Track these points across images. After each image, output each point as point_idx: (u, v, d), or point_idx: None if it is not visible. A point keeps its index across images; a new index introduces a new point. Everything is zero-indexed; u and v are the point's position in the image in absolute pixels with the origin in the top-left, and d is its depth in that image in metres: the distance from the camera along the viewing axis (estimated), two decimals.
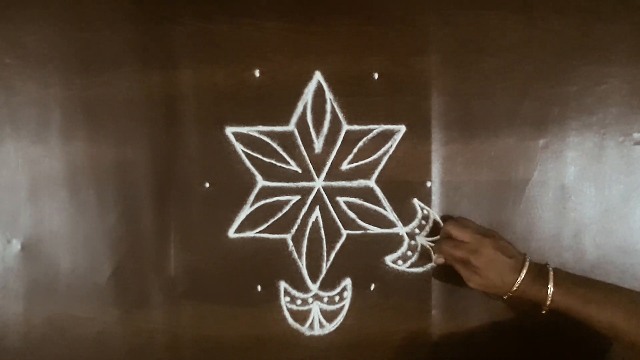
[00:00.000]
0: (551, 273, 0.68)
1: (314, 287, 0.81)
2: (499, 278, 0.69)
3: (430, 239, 0.80)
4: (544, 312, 0.69)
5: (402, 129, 0.79)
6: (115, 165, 0.79)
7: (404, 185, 0.80)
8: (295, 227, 0.80)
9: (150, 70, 0.78)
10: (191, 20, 0.78)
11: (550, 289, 0.67)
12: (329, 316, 0.81)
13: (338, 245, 0.80)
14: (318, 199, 0.80)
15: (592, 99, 0.79)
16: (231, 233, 0.80)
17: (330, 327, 0.81)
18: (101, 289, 0.80)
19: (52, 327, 0.80)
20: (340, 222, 0.80)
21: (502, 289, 0.70)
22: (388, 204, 0.80)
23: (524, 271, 0.69)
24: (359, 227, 0.80)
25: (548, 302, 0.67)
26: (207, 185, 0.80)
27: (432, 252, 0.76)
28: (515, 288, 0.69)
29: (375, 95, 0.79)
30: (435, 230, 0.80)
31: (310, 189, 0.80)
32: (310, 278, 0.80)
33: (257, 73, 0.79)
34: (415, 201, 0.80)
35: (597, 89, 0.79)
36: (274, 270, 0.80)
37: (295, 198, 0.80)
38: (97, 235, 0.80)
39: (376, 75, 0.79)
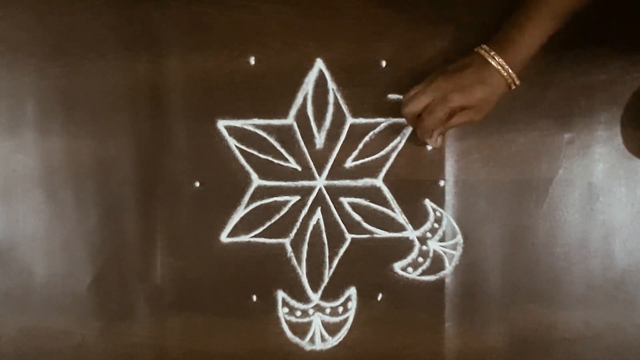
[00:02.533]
0: (482, 51, 0.68)
1: (315, 297, 0.79)
2: (487, 88, 0.68)
3: (444, 244, 0.79)
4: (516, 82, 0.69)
5: None
6: (96, 162, 0.78)
7: (414, 185, 0.79)
8: (295, 230, 0.79)
9: (135, 57, 0.77)
10: (180, 2, 0.77)
11: (499, 60, 0.67)
12: (332, 329, 0.80)
13: (341, 251, 0.79)
14: (319, 200, 0.79)
15: (622, 89, 0.77)
16: (224, 237, 0.79)
17: (333, 342, 0.80)
18: (80, 299, 0.79)
19: (25, 341, 0.80)
20: (344, 225, 0.79)
21: (501, 89, 0.69)
22: (397, 205, 0.79)
23: (495, 59, 0.67)
24: (365, 231, 0.79)
25: (509, 70, 0.68)
26: (197, 184, 0.79)
27: (426, 138, 0.73)
28: (507, 74, 0.68)
29: (383, 85, 0.77)
30: (449, 234, 0.79)
31: (311, 189, 0.79)
32: (310, 287, 0.79)
33: (252, 61, 0.77)
34: (427, 202, 0.79)
35: (627, 77, 0.77)
36: (271, 279, 0.79)
37: (295, 199, 0.79)
38: (76, 239, 0.79)
39: (384, 63, 0.77)
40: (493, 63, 0.67)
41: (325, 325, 0.79)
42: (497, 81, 0.68)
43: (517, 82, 0.68)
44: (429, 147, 0.77)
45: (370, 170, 0.78)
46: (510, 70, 0.67)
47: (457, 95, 0.67)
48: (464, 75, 0.68)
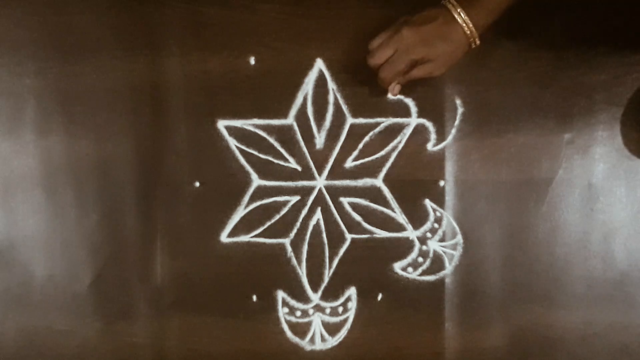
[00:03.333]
0: (450, 5, 0.67)
1: (315, 297, 0.79)
2: (449, 44, 0.67)
3: (444, 244, 0.78)
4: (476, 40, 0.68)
5: (413, 122, 0.78)
6: (96, 162, 0.78)
7: (414, 185, 0.78)
8: (295, 230, 0.79)
9: (135, 57, 0.77)
10: (179, 1, 0.77)
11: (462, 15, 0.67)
12: (332, 329, 0.79)
13: (342, 251, 0.79)
14: (319, 200, 0.78)
15: (622, 89, 0.77)
16: (224, 237, 0.79)
17: (333, 342, 0.80)
18: (80, 299, 0.79)
19: (26, 341, 0.79)
20: (344, 225, 0.79)
21: (462, 46, 0.68)
22: (397, 205, 0.78)
23: (461, 15, 0.67)
24: (365, 231, 0.79)
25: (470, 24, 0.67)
26: (197, 184, 0.78)
27: (385, 87, 0.72)
28: (470, 32, 0.67)
29: None
30: (449, 234, 0.78)
31: (311, 189, 0.78)
32: (311, 287, 0.79)
33: (252, 61, 0.77)
34: (427, 202, 0.78)
35: (628, 78, 0.77)
36: (271, 279, 0.79)
37: (295, 199, 0.78)
38: (76, 239, 0.79)
39: None
40: (458, 19, 0.67)
41: (325, 325, 0.79)
42: (459, 38, 0.67)
43: (477, 42, 0.68)
44: (389, 95, 0.76)
45: (370, 170, 0.78)
46: (473, 29, 0.67)
47: (419, 48, 0.67)
48: (428, 29, 0.67)
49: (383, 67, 0.70)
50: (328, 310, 0.79)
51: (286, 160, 0.78)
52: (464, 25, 0.67)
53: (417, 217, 0.78)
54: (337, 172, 0.78)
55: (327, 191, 0.78)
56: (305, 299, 0.79)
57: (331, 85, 0.77)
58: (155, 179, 0.78)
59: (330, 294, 0.79)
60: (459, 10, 0.67)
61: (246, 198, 0.78)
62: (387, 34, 0.70)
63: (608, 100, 0.77)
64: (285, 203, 0.78)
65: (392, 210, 0.78)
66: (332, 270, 0.79)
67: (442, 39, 0.67)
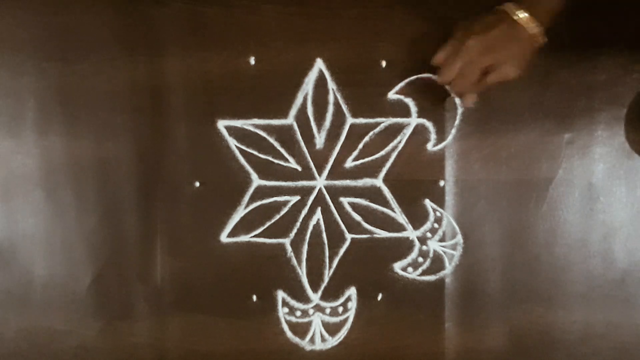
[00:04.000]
0: (507, 8, 0.67)
1: (315, 297, 0.79)
2: (515, 44, 0.66)
3: (444, 244, 0.78)
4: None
5: (413, 122, 0.78)
6: (96, 162, 0.78)
7: (414, 185, 0.78)
8: (295, 230, 0.78)
9: (135, 57, 0.77)
10: (179, 2, 0.76)
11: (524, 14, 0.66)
12: (332, 329, 0.79)
13: (342, 251, 0.79)
14: (319, 200, 0.78)
15: (622, 89, 0.77)
16: (224, 237, 0.78)
17: (333, 341, 0.79)
18: (80, 299, 0.79)
19: (26, 341, 0.79)
20: (344, 225, 0.79)
21: (530, 45, 0.66)
22: (397, 205, 0.78)
23: (519, 15, 0.66)
24: (365, 231, 0.78)
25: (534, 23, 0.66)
26: (197, 184, 0.78)
27: (460, 98, 0.73)
28: (536, 31, 0.66)
29: (383, 85, 0.77)
30: (449, 234, 0.78)
31: (311, 189, 0.78)
32: (311, 287, 0.79)
33: (252, 61, 0.77)
34: (427, 202, 0.78)
35: (628, 78, 0.77)
36: (271, 279, 0.79)
37: (295, 199, 0.78)
38: (76, 239, 0.78)
39: (384, 63, 0.77)
40: (520, 21, 0.65)
41: (325, 325, 0.79)
42: (525, 37, 0.66)
43: (545, 39, 0.66)
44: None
45: (370, 170, 0.78)
46: (536, 28, 0.65)
47: (486, 57, 0.66)
48: (492, 35, 0.66)
49: (455, 83, 0.69)
50: (328, 310, 0.79)
51: (286, 160, 0.78)
52: (527, 26, 0.65)
53: (417, 217, 0.78)
54: (337, 172, 0.78)
55: (327, 191, 0.78)
56: (305, 299, 0.79)
57: (331, 85, 0.77)
58: (155, 179, 0.78)
59: (330, 294, 0.79)
60: (517, 12, 0.66)
61: (246, 198, 0.78)
62: (451, 47, 0.69)
63: (608, 100, 0.77)
64: (285, 203, 0.78)
65: (392, 210, 0.78)
66: (332, 270, 0.78)
67: (507, 42, 0.66)
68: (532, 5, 0.66)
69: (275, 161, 0.78)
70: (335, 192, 0.78)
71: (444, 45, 0.69)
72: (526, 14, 0.65)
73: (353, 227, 0.78)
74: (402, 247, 0.78)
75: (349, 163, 0.78)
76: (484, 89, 0.70)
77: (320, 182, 0.78)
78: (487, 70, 0.67)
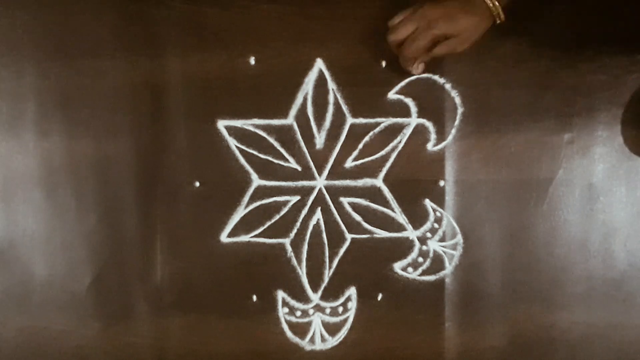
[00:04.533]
0: None
1: (315, 297, 0.79)
2: (472, 18, 0.66)
3: (444, 244, 0.79)
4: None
5: (413, 122, 0.78)
6: (96, 162, 0.78)
7: (414, 185, 0.78)
8: (295, 230, 0.78)
9: (135, 58, 0.77)
10: (179, 2, 0.76)
11: None
12: (332, 329, 0.79)
13: (342, 251, 0.79)
14: (319, 200, 0.78)
15: (622, 89, 0.77)
16: (224, 237, 0.78)
17: (333, 341, 0.79)
18: (80, 299, 0.79)
19: (25, 341, 0.79)
20: (344, 225, 0.78)
21: (485, 21, 0.67)
22: (397, 205, 0.78)
23: None
24: (365, 231, 0.78)
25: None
26: (197, 184, 0.78)
27: (408, 66, 0.72)
28: (492, 6, 0.66)
29: (383, 85, 0.77)
30: (449, 234, 0.78)
31: (311, 189, 0.78)
32: (311, 287, 0.79)
33: (252, 61, 0.77)
34: (427, 202, 0.78)
35: (628, 77, 0.77)
36: (271, 279, 0.79)
37: (295, 199, 0.78)
38: (76, 239, 0.78)
39: (384, 63, 0.77)
40: None
41: (325, 325, 0.79)
42: (482, 12, 0.66)
43: (502, 17, 0.67)
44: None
45: (370, 170, 0.78)
46: (496, 2, 0.66)
47: (442, 23, 0.66)
48: (450, 4, 0.66)
49: (405, 45, 0.69)
50: (328, 310, 0.79)
51: (286, 160, 0.78)
52: (486, 1, 0.66)
53: (417, 217, 0.78)
54: (337, 172, 0.78)
55: (327, 191, 0.78)
56: (305, 299, 0.78)
57: (331, 85, 0.77)
58: (155, 179, 0.78)
59: (330, 294, 0.78)
60: None
61: (246, 198, 0.78)
62: (409, 11, 0.69)
63: (608, 100, 0.77)
64: (285, 203, 0.78)
65: (392, 210, 0.78)
66: (332, 270, 0.78)
67: (464, 13, 0.66)
68: None
69: (275, 161, 0.77)
70: (335, 192, 0.78)
71: (400, 18, 0.69)
72: None
73: (353, 227, 0.78)
74: (402, 247, 0.78)
75: (349, 163, 0.78)
76: (429, 59, 0.70)
77: (320, 182, 0.78)
78: (437, 40, 0.67)
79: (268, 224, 0.78)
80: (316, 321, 0.79)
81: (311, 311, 0.79)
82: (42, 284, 0.78)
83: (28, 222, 0.78)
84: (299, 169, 0.78)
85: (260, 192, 0.78)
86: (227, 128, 0.77)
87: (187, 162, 0.77)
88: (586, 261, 0.78)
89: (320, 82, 0.77)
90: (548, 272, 0.78)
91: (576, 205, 0.78)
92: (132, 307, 0.78)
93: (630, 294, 0.78)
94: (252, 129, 0.77)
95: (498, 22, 0.67)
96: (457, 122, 0.77)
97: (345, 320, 0.79)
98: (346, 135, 0.77)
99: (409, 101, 0.77)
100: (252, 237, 0.78)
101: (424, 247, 0.78)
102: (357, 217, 0.78)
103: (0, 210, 0.78)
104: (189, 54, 0.76)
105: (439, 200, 0.78)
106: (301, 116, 0.77)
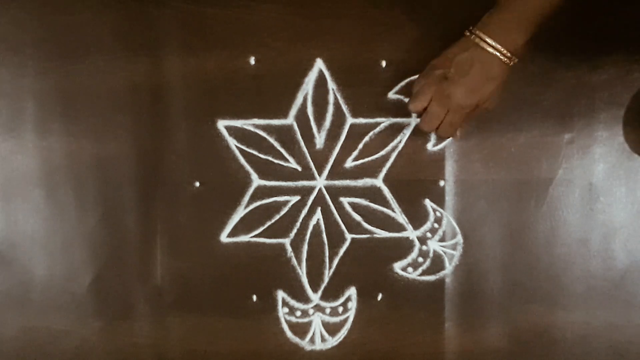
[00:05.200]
0: (477, 39, 0.65)
1: (315, 297, 0.79)
2: (494, 81, 0.65)
3: (444, 244, 0.78)
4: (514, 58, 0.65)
5: (413, 122, 0.78)
6: (96, 162, 0.78)
7: (414, 185, 0.78)
8: (295, 230, 0.78)
9: (135, 57, 0.77)
10: (179, 2, 0.76)
11: (492, 42, 0.64)
12: (332, 329, 0.79)
13: (342, 251, 0.79)
14: (319, 200, 0.78)
15: (622, 89, 0.76)
16: (224, 237, 0.78)
17: (333, 341, 0.79)
18: (80, 299, 0.79)
19: (26, 341, 0.79)
20: (344, 225, 0.78)
21: (505, 74, 0.66)
22: (397, 205, 0.78)
23: (492, 45, 0.64)
24: (365, 231, 0.78)
25: (504, 51, 0.64)
26: (197, 184, 0.78)
27: (437, 136, 0.74)
28: (505, 58, 0.65)
29: (383, 85, 0.77)
30: (449, 234, 0.78)
31: (311, 189, 0.78)
32: (311, 287, 0.79)
33: (252, 61, 0.77)
34: (427, 202, 0.78)
35: (628, 77, 0.77)
36: (271, 279, 0.79)
37: (295, 199, 0.78)
38: (76, 239, 0.78)
39: (384, 63, 0.77)
40: (490, 50, 0.64)
41: (325, 325, 0.79)
42: (500, 69, 0.65)
43: (516, 60, 0.65)
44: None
45: (370, 170, 0.78)
46: (508, 54, 0.64)
47: (470, 100, 0.66)
48: (471, 78, 0.65)
49: (442, 130, 0.69)
50: (328, 310, 0.79)
51: (286, 160, 0.77)
52: (498, 54, 0.64)
53: (417, 217, 0.78)
54: (337, 172, 0.78)
55: (327, 191, 0.78)
56: (305, 299, 0.78)
57: (331, 85, 0.77)
58: (155, 179, 0.78)
59: (330, 294, 0.78)
60: (487, 40, 0.64)
61: (246, 198, 0.78)
62: (428, 93, 0.67)
63: (608, 100, 0.77)
64: (285, 203, 0.78)
65: (392, 210, 0.78)
66: (332, 270, 0.78)
67: (486, 82, 0.65)
68: (501, 31, 0.64)
69: (275, 161, 0.77)
70: (335, 192, 0.78)
71: (420, 90, 0.68)
72: (494, 43, 0.64)
73: (353, 227, 0.78)
74: (402, 247, 0.78)
75: (349, 163, 0.78)
76: (467, 124, 0.71)
77: (320, 182, 0.78)
78: (470, 110, 0.67)
79: (268, 224, 0.78)
80: (316, 321, 0.79)
81: (311, 311, 0.79)
82: (42, 284, 0.78)
83: (28, 222, 0.78)
84: (299, 169, 0.78)
85: (260, 192, 0.78)
86: (227, 128, 0.77)
87: (187, 162, 0.77)
88: (586, 261, 0.78)
89: (320, 82, 0.77)
90: (548, 272, 0.77)
91: (576, 205, 0.78)
92: (132, 307, 0.78)
93: (630, 294, 0.78)
94: (252, 129, 0.77)
95: (513, 64, 0.66)
96: None
97: (345, 320, 0.79)
98: (346, 135, 0.77)
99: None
100: (252, 237, 0.78)
101: (424, 247, 0.78)
102: (357, 217, 0.78)
103: (0, 210, 0.78)
104: (189, 54, 0.76)
105: (439, 200, 0.78)
106: (301, 116, 0.77)
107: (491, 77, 0.65)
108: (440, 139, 0.76)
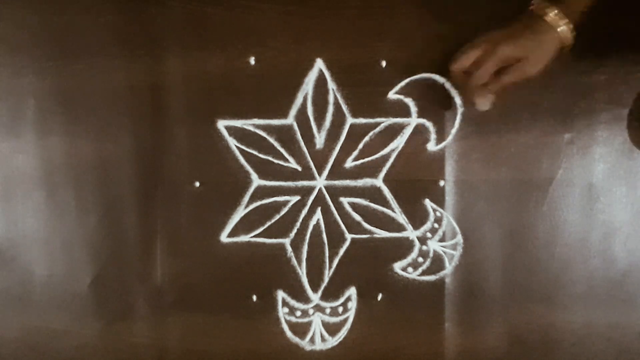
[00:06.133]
0: (536, 6, 0.65)
1: (315, 297, 0.79)
2: (537, 37, 0.64)
3: (444, 244, 0.78)
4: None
5: (413, 122, 0.77)
6: (96, 162, 0.78)
7: (414, 185, 0.78)
8: (295, 230, 0.78)
9: (135, 57, 0.77)
10: (179, 2, 0.76)
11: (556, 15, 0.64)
12: (332, 329, 0.79)
13: (342, 251, 0.78)
14: (319, 200, 0.78)
15: (622, 88, 0.76)
16: (224, 237, 0.78)
17: (333, 341, 0.79)
18: (80, 298, 0.79)
19: (26, 341, 0.79)
20: (344, 225, 0.78)
21: (553, 42, 0.65)
22: (397, 205, 0.78)
23: (550, 11, 0.64)
24: (365, 231, 0.78)
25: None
26: (197, 184, 0.78)
27: (477, 97, 0.68)
28: (565, 29, 0.64)
29: (383, 85, 0.77)
30: (449, 234, 0.78)
31: (311, 189, 0.78)
32: (310, 287, 0.79)
33: (252, 61, 0.77)
34: (427, 202, 0.78)
35: (629, 77, 0.77)
36: (271, 279, 0.79)
37: (295, 199, 0.78)
38: (76, 239, 0.78)
39: (384, 63, 0.77)
40: (546, 17, 0.63)
41: (325, 325, 0.79)
42: (551, 35, 0.64)
43: (570, 39, 0.64)
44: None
45: (370, 170, 0.77)
46: (565, 24, 0.63)
47: (506, 45, 0.64)
48: (514, 26, 0.65)
49: (474, 75, 0.66)
50: (328, 310, 0.79)
51: (286, 160, 0.77)
52: (555, 24, 0.64)
53: (417, 217, 0.78)
54: (337, 172, 0.78)
55: (327, 191, 0.78)
56: (305, 299, 0.78)
57: (331, 85, 0.77)
58: (155, 179, 0.77)
59: (330, 294, 0.78)
60: (547, 10, 0.64)
61: (246, 198, 0.78)
62: (479, 49, 0.67)
63: (608, 100, 0.77)
64: (285, 203, 0.78)
65: (392, 210, 0.78)
66: (332, 270, 0.78)
67: (531, 34, 0.64)
68: (560, 2, 0.64)
69: (275, 161, 0.77)
70: (335, 192, 0.78)
71: (473, 44, 0.67)
72: (555, 11, 0.63)
73: (353, 227, 0.78)
74: (402, 247, 0.78)
75: (349, 163, 0.77)
76: (498, 88, 0.67)
77: (320, 182, 0.78)
78: (506, 65, 0.65)
79: (268, 224, 0.78)
80: (316, 321, 0.79)
81: (311, 311, 0.78)
82: (42, 284, 0.78)
83: (28, 222, 0.78)
84: (299, 169, 0.78)
85: (260, 192, 0.78)
86: (227, 128, 0.77)
87: (187, 162, 0.77)
88: (586, 261, 0.78)
89: (320, 82, 0.77)
90: (548, 272, 0.78)
91: (576, 205, 0.78)
92: (132, 307, 0.78)
93: (630, 294, 0.78)
94: (252, 129, 0.77)
95: (566, 45, 0.65)
96: (457, 122, 0.77)
97: (345, 320, 0.79)
98: (346, 135, 0.77)
99: (409, 101, 0.77)
100: (252, 237, 0.78)
101: (424, 247, 0.78)
102: (357, 217, 0.78)
103: (0, 210, 0.78)
104: (189, 54, 0.76)
105: (439, 200, 0.78)
106: (301, 116, 0.77)
107: (540, 32, 0.64)
108: (471, 97, 0.70)
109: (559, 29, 0.64)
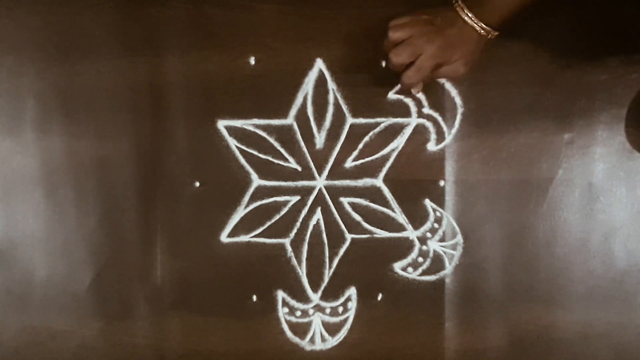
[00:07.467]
0: (458, 8, 0.67)
1: (315, 297, 0.79)
2: (469, 46, 0.68)
3: (444, 244, 0.78)
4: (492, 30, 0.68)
5: (413, 122, 0.78)
6: (96, 162, 0.78)
7: (414, 185, 0.78)
8: (295, 230, 0.78)
9: (135, 57, 0.77)
10: (179, 2, 0.76)
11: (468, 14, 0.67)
12: (332, 329, 0.79)
13: (342, 251, 0.78)
14: (319, 200, 0.78)
15: (622, 89, 0.76)
16: (224, 237, 0.78)
17: (333, 342, 0.79)
18: (80, 299, 0.79)
19: (25, 341, 0.79)
20: (344, 225, 0.78)
21: (480, 44, 0.68)
22: (397, 205, 0.78)
23: (468, 15, 0.67)
24: (365, 231, 0.78)
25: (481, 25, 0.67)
26: (197, 184, 0.78)
27: (409, 88, 0.72)
28: (482, 30, 0.67)
29: (383, 85, 0.77)
30: (449, 234, 0.78)
31: (311, 189, 0.78)
32: (311, 287, 0.79)
33: (252, 61, 0.77)
34: (427, 202, 0.78)
35: (628, 78, 0.76)
36: (271, 279, 0.79)
37: (295, 199, 0.78)
38: (76, 239, 0.78)
39: (384, 63, 0.76)
40: (468, 21, 0.66)
41: (325, 325, 0.79)
42: (474, 37, 0.67)
43: (495, 33, 0.67)
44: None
45: (370, 170, 0.77)
46: (485, 27, 0.67)
47: (443, 53, 0.67)
48: (447, 34, 0.67)
49: (408, 73, 0.69)
50: (328, 310, 0.79)
51: (286, 160, 0.77)
52: (475, 25, 0.66)
53: (417, 217, 0.78)
54: (337, 172, 0.78)
55: (327, 191, 0.78)
56: (305, 299, 0.78)
57: (331, 85, 0.77)
58: (155, 179, 0.77)
59: (330, 294, 0.78)
60: (466, 11, 0.66)
61: (246, 198, 0.78)
62: (411, 27, 0.68)
63: (608, 100, 0.77)
64: (285, 203, 0.78)
65: (392, 210, 0.78)
66: (332, 270, 0.78)
67: (461, 44, 0.67)
68: (480, 6, 0.66)
69: (275, 161, 0.77)
70: (335, 192, 0.78)
71: (405, 22, 0.68)
72: (472, 15, 0.66)
73: (353, 227, 0.78)
74: (402, 247, 0.78)
75: (349, 163, 0.77)
76: (430, 81, 0.72)
77: (320, 182, 0.78)
78: (438, 65, 0.68)
79: (268, 224, 0.78)
80: (316, 321, 0.79)
81: (311, 311, 0.78)
82: (43, 284, 0.78)
83: (28, 222, 0.78)
84: (299, 169, 0.78)
85: (260, 192, 0.78)
86: (227, 128, 0.77)
87: (187, 162, 0.77)
88: (586, 261, 0.78)
89: (320, 82, 0.77)
90: (548, 272, 0.77)
91: (576, 205, 0.78)
92: (132, 307, 0.78)
93: (630, 294, 0.78)
94: (252, 129, 0.77)
95: (492, 37, 0.68)
96: (457, 122, 0.77)
97: (345, 320, 0.79)
98: (346, 135, 0.77)
99: (409, 101, 0.77)
100: (252, 237, 0.78)
101: (424, 247, 0.78)
102: (357, 217, 0.78)
103: (0, 210, 0.78)
104: (189, 54, 0.76)
105: (439, 200, 0.78)
106: (301, 116, 0.77)
107: (467, 40, 0.67)
108: (401, 89, 0.75)
109: (482, 31, 0.67)
